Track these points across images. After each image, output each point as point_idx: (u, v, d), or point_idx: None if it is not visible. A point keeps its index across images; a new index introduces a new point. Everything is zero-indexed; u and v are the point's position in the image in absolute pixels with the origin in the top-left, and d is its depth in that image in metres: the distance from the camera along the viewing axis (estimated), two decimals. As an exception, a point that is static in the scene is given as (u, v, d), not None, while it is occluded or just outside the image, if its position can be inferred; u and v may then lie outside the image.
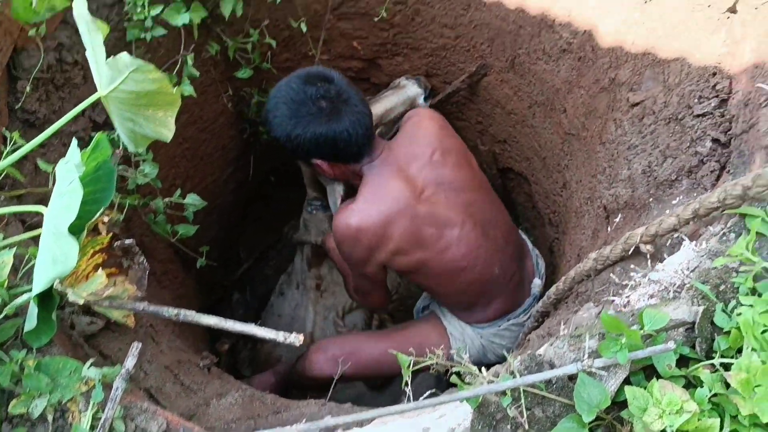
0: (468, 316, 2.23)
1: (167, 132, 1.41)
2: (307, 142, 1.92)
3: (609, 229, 1.89)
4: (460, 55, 2.77)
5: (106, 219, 1.24)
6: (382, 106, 2.82)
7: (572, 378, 1.13)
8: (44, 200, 1.75)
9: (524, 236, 2.43)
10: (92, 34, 1.24)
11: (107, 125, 2.06)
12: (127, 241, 1.55)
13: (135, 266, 1.59)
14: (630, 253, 1.46)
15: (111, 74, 1.26)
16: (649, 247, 1.38)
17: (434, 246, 2.02)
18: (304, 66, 2.82)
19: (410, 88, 2.85)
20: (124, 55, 1.21)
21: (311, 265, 3.15)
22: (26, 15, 1.59)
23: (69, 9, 1.68)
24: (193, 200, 2.03)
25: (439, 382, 2.42)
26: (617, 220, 1.85)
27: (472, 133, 3.17)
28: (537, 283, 2.25)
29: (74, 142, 1.16)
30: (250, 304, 3.72)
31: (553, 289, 1.74)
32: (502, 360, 1.95)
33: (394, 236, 1.96)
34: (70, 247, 1.12)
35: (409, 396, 1.46)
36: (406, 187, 1.99)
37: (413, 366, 1.40)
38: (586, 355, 1.07)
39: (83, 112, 2.00)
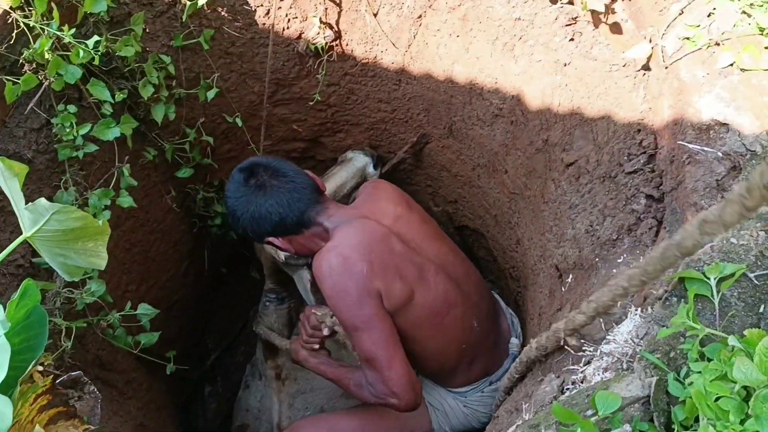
0: (451, 380, 2.18)
1: (100, 261, 1.39)
2: (247, 222, 2.03)
3: (563, 289, 1.90)
4: (400, 126, 2.81)
5: (40, 368, 1.20)
6: (333, 183, 2.82)
7: (535, 471, 1.11)
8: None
9: (497, 296, 2.40)
10: (8, 181, 1.22)
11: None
12: (74, 374, 1.50)
13: (86, 396, 1.54)
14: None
15: (33, 217, 1.24)
16: (573, 341, 1.41)
17: (418, 282, 1.94)
18: (247, 155, 2.83)
19: (358, 159, 2.86)
20: (41, 201, 1.20)
21: (266, 357, 3.09)
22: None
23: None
24: (144, 310, 1.99)
25: None
26: (569, 280, 1.86)
27: (424, 196, 3.19)
28: (515, 342, 2.22)
29: (-3, 297, 1.12)
30: (222, 395, 3.63)
31: (511, 369, 1.73)
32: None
33: (379, 261, 1.88)
34: (4, 406, 1.07)
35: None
36: (378, 225, 1.99)
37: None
38: (544, 451, 1.05)
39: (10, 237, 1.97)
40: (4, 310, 1.11)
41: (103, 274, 2.10)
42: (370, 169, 2.87)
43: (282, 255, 2.64)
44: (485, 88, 2.26)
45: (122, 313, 2.00)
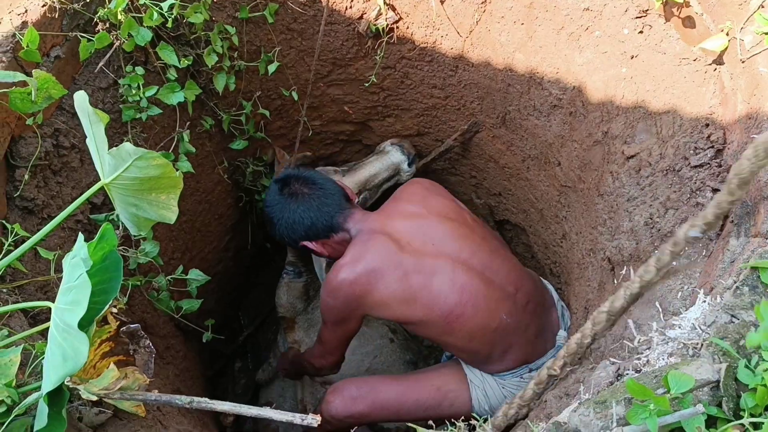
0: (486, 366, 2.20)
1: (171, 214, 1.41)
2: (283, 228, 2.24)
3: (615, 281, 1.89)
4: (451, 114, 2.81)
5: (114, 309, 1.22)
6: (366, 171, 2.85)
7: (599, 447, 1.11)
8: (46, 288, 1.74)
9: (549, 286, 2.40)
10: (94, 126, 1.25)
11: (105, 206, 2.06)
12: (133, 326, 1.52)
13: (141, 350, 1.57)
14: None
15: (114, 163, 1.26)
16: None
17: (423, 296, 2.05)
18: (296, 132, 2.86)
19: (393, 155, 2.89)
20: (126, 145, 1.22)
21: (285, 331, 3.14)
22: (24, 106, 1.60)
23: (65, 95, 1.71)
24: (195, 275, 2.02)
25: None
26: (623, 272, 1.85)
27: (467, 187, 3.19)
28: (562, 334, 2.22)
29: (80, 237, 1.15)
30: (252, 372, 3.66)
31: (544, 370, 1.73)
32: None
33: (379, 288, 2.04)
34: (80, 343, 1.10)
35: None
36: (389, 241, 2.10)
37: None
38: (615, 423, 1.05)
39: (81, 194, 2.01)
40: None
41: (155, 236, 2.15)
42: (405, 167, 2.90)
43: None
44: (545, 77, 2.25)
45: (173, 276, 2.03)
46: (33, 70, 1.56)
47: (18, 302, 1.53)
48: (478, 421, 1.55)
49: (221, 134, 2.57)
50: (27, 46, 1.66)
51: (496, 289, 2.12)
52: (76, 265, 1.11)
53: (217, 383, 3.57)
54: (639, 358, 1.31)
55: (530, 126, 2.46)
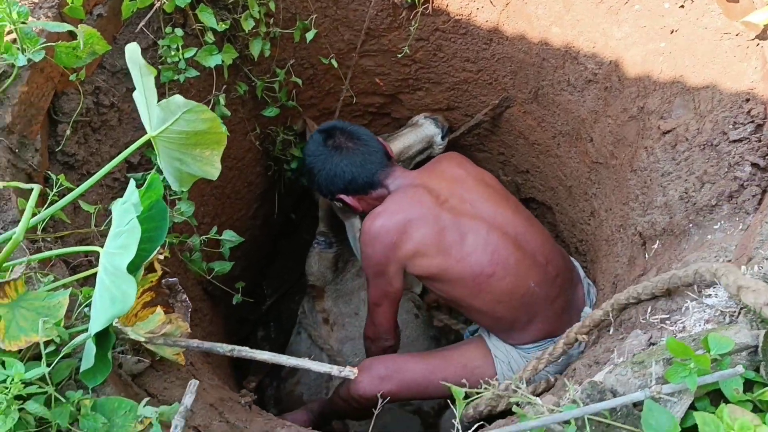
0: (509, 336, 2.22)
1: (214, 170, 1.43)
2: (323, 179, 2.29)
3: (646, 256, 1.89)
4: (482, 88, 2.81)
5: (161, 257, 1.25)
6: (400, 143, 2.86)
7: (636, 405, 1.12)
8: (85, 240, 1.77)
9: (576, 263, 2.42)
10: (144, 77, 1.27)
11: (141, 166, 2.09)
12: (171, 280, 1.55)
13: (178, 304, 1.60)
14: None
15: (163, 115, 1.28)
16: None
17: (456, 251, 2.08)
18: (328, 102, 2.87)
19: (427, 128, 2.90)
20: (177, 97, 1.24)
21: (314, 300, 3.17)
22: (69, 61, 1.62)
23: (106, 54, 1.73)
24: (230, 236, 2.04)
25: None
26: (655, 246, 1.85)
27: (494, 164, 3.19)
28: (587, 311, 2.23)
29: (132, 183, 1.17)
30: (274, 341, 3.70)
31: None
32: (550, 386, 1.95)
33: (414, 237, 2.08)
34: (128, 285, 1.12)
35: (457, 429, 1.45)
36: (429, 195, 2.14)
37: (454, 396, 1.39)
38: (654, 381, 1.06)
39: (119, 152, 2.04)
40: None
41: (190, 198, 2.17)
42: (438, 140, 2.91)
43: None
44: (581, 52, 2.24)
45: (207, 236, 2.05)
46: (80, 25, 1.58)
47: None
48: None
49: (253, 101, 2.59)
50: (71, 2, 1.69)
51: (527, 257, 2.15)
52: (127, 210, 1.14)
53: (240, 350, 3.61)
54: (674, 324, 1.32)
55: (563, 101, 2.45)
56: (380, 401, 1.76)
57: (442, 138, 2.91)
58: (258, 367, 3.57)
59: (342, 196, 2.31)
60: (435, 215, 2.09)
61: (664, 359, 1.12)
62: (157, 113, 1.29)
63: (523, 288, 2.13)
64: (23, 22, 1.45)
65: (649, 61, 2.02)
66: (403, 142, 2.87)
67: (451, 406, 1.42)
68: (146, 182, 1.24)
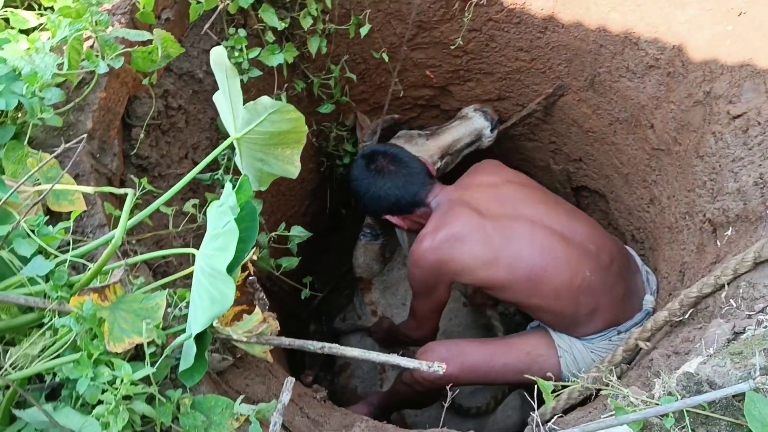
0: (574, 330, 2.21)
1: (294, 169, 1.45)
2: (369, 201, 2.40)
3: (719, 243, 1.87)
4: (535, 77, 2.79)
5: (255, 257, 1.28)
6: (449, 136, 2.86)
7: (735, 396, 1.11)
8: (161, 242, 1.81)
9: (632, 252, 2.41)
10: (230, 80, 1.29)
11: (209, 167, 2.13)
12: (251, 278, 1.58)
13: (257, 302, 1.63)
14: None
15: (249, 117, 1.30)
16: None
17: (505, 257, 2.11)
18: (378, 96, 2.88)
19: (477, 120, 2.89)
20: (264, 98, 1.26)
21: (362, 292, 3.20)
22: (145, 65, 1.66)
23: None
24: (298, 232, 2.07)
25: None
26: (728, 233, 1.82)
27: (544, 153, 3.17)
28: (649, 299, 2.21)
29: (228, 186, 1.19)
30: (326, 334, 3.74)
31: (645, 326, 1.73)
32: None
33: (461, 254, 2.12)
34: (227, 286, 1.15)
35: (537, 422, 1.45)
36: (469, 209, 2.19)
37: (533, 389, 1.39)
38: (757, 373, 1.05)
39: (186, 155, 2.08)
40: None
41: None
42: (487, 132, 2.90)
43: None
44: (642, 37, 2.21)
45: (277, 233, 2.08)
46: (154, 29, 1.62)
47: (142, 254, 1.60)
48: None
49: (309, 98, 2.61)
50: (143, 8, 1.72)
51: (576, 248, 2.15)
52: (224, 212, 1.16)
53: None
54: (764, 312, 1.30)
55: (621, 88, 2.43)
56: (449, 393, 1.79)
57: (491, 131, 2.89)
58: (312, 361, 3.61)
59: (388, 217, 2.42)
60: (478, 226, 2.14)
61: (765, 349, 1.11)
62: (242, 115, 1.31)
63: (578, 278, 2.12)
64: (103, 30, 1.48)
65: (715, 45, 1.98)
66: (452, 135, 2.87)
67: (527, 398, 1.43)
68: (238, 184, 1.26)
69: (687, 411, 1.11)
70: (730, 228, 1.83)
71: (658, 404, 1.14)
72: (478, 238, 2.13)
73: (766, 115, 1.78)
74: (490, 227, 2.14)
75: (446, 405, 1.83)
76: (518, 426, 2.77)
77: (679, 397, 1.12)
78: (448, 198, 2.29)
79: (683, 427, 1.10)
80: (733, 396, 1.12)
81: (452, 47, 2.66)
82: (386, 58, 2.51)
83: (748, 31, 1.88)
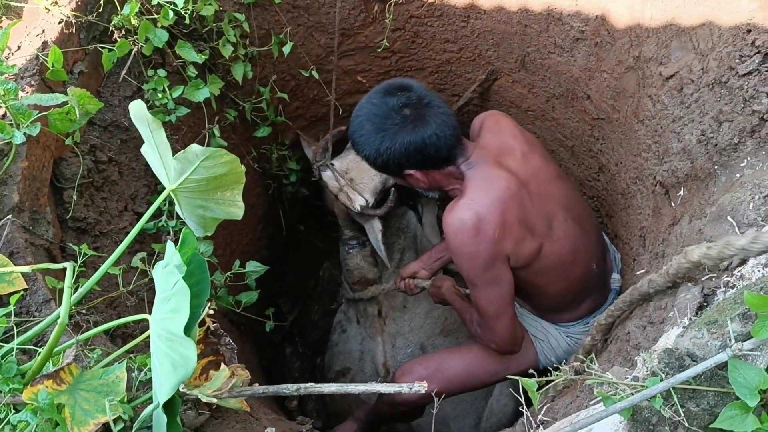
0: (558, 316, 2.19)
1: (238, 210, 1.40)
2: (397, 153, 1.86)
3: (673, 204, 1.88)
4: (467, 66, 2.77)
5: (211, 311, 1.22)
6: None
7: (717, 366, 1.10)
8: (115, 303, 1.74)
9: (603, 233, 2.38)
10: (155, 133, 1.23)
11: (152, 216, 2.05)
12: (213, 325, 1.52)
13: (223, 348, 1.57)
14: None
15: (181, 167, 1.25)
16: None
17: (547, 234, 1.95)
18: (314, 109, 2.83)
19: None
20: (194, 146, 1.20)
21: (367, 300, 3.15)
22: (64, 126, 1.58)
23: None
24: (254, 267, 2.01)
25: None
26: (681, 194, 1.83)
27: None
28: (616, 277, 2.22)
29: (170, 245, 1.14)
30: (304, 354, 3.69)
31: (615, 305, 1.72)
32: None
33: (512, 222, 1.86)
34: (187, 349, 1.09)
35: (529, 419, 1.44)
36: (510, 176, 1.92)
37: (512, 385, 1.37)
38: (733, 340, 1.05)
39: (125, 206, 2.00)
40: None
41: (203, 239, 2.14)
42: None
43: (357, 205, 2.66)
44: (564, 12, 2.21)
45: (232, 271, 2.02)
46: (68, 88, 1.54)
47: (97, 322, 1.53)
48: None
49: (243, 125, 2.55)
50: (53, 66, 1.64)
51: (590, 239, 2.10)
52: (170, 272, 1.11)
53: (271, 371, 3.60)
54: (729, 270, 1.30)
55: (552, 64, 2.43)
56: (436, 400, 1.74)
57: None
58: (295, 383, 3.55)
59: (412, 171, 1.93)
60: (522, 198, 1.89)
61: (738, 315, 1.10)
62: (173, 165, 1.25)
63: (589, 272, 2.09)
64: (14, 99, 1.40)
65: (637, 9, 1.99)
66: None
67: (513, 393, 1.41)
68: (180, 239, 1.21)
69: (674, 389, 1.10)
70: (682, 188, 1.84)
71: (644, 386, 1.12)
72: (522, 211, 1.88)
73: (699, 71, 1.79)
74: (531, 206, 1.92)
75: (435, 412, 1.81)
76: (516, 414, 2.76)
77: (663, 376, 1.11)
78: (484, 160, 1.94)
79: (672, 405, 1.09)
80: (716, 366, 1.11)
81: (379, 50, 2.63)
82: (316, 75, 2.45)
83: (666, -9, 1.89)
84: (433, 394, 1.68)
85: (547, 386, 1.29)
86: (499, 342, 2.05)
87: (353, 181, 2.66)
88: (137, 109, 1.22)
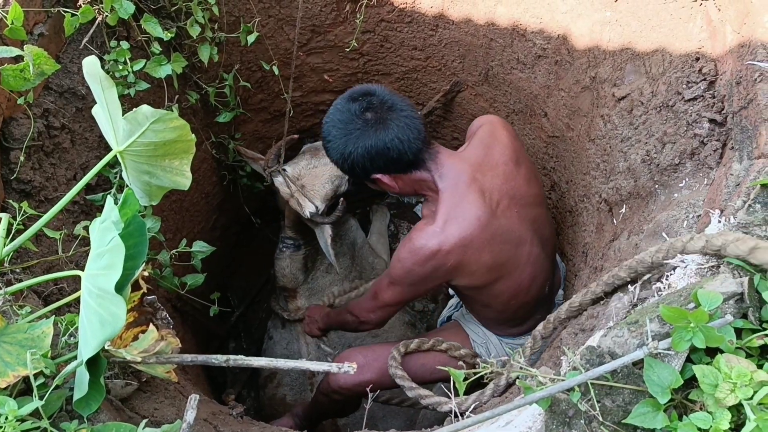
0: (502, 330, 2.22)
1: (185, 180, 1.40)
2: (360, 157, 1.89)
3: (615, 221, 1.93)
4: (432, 75, 2.82)
5: (145, 273, 1.22)
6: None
7: (636, 364, 1.14)
8: (52, 269, 1.71)
9: None
10: (106, 91, 1.23)
11: (99, 187, 2.03)
12: (150, 297, 1.51)
13: (158, 322, 1.56)
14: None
15: (130, 128, 1.25)
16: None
17: (507, 268, 1.97)
18: (279, 104, 2.83)
19: None
20: (144, 107, 1.20)
21: (287, 300, 3.15)
22: (17, 84, 1.56)
23: (53, 75, 1.67)
24: (200, 247, 2.00)
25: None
26: (623, 211, 1.89)
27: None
28: (560, 294, 2.27)
29: (109, 200, 1.13)
30: (247, 351, 3.66)
31: (555, 314, 1.76)
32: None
33: (472, 259, 1.91)
34: (117, 306, 1.09)
35: (455, 413, 1.46)
36: (483, 202, 1.91)
37: (443, 377, 1.40)
38: (650, 339, 1.08)
39: (74, 176, 1.98)
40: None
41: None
42: None
43: (307, 212, 2.65)
44: (528, 28, 2.27)
45: (178, 250, 2.01)
46: (25, 46, 1.52)
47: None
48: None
49: (204, 110, 2.54)
50: (12, 24, 1.62)
51: (549, 262, 2.14)
52: (107, 228, 1.10)
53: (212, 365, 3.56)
54: (661, 281, 1.35)
55: (514, 79, 2.48)
56: (369, 394, 1.75)
57: None
58: (234, 380, 3.52)
59: (379, 176, 1.95)
60: (490, 230, 1.90)
61: (657, 316, 1.15)
62: (122, 126, 1.25)
63: (542, 294, 2.13)
64: (-34, 48, 1.38)
65: (596, 31, 2.06)
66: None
67: (444, 389, 1.43)
68: (122, 198, 1.20)
69: (591, 383, 1.13)
70: (624, 206, 1.90)
71: (563, 380, 1.15)
72: (489, 246, 1.91)
73: (648, 94, 1.86)
74: (500, 233, 1.93)
75: (368, 407, 1.81)
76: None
77: (583, 371, 1.14)
78: (457, 173, 1.93)
79: (589, 400, 1.12)
80: (634, 364, 1.14)
81: (348, 50, 2.66)
82: (276, 71, 2.42)
83: (625, 16, 1.96)
84: (368, 390, 1.73)
85: (474, 377, 1.31)
86: (374, 317, 2.23)
87: (304, 187, 2.64)
88: (90, 66, 1.22)
